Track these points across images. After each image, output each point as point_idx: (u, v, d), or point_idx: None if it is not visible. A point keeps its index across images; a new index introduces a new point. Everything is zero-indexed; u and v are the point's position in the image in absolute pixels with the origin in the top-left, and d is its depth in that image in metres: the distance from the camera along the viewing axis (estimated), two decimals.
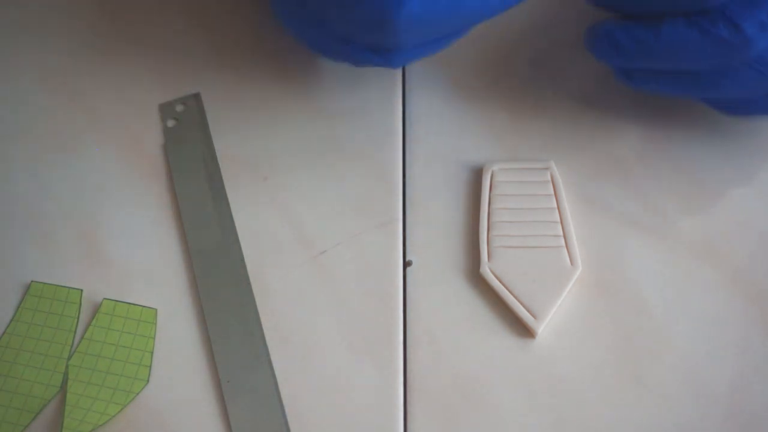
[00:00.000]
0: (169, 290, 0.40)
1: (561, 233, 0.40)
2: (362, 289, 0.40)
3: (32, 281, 0.40)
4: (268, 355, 0.38)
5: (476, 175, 0.42)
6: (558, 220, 0.40)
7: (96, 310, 0.40)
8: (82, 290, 0.40)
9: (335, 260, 0.41)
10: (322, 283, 0.40)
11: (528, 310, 0.38)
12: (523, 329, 0.38)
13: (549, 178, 0.41)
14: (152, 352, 0.38)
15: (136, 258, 0.41)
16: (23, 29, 0.49)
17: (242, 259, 0.41)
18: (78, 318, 0.39)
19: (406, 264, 0.40)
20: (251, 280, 0.40)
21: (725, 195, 0.41)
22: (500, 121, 0.44)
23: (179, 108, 0.46)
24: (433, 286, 0.40)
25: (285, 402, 0.37)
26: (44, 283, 0.40)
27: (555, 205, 0.41)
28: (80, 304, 0.40)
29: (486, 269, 0.39)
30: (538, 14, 0.48)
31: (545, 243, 0.40)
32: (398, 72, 0.46)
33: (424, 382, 0.37)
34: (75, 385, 0.38)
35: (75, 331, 0.39)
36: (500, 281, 0.39)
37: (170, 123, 0.45)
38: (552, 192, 0.41)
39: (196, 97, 0.46)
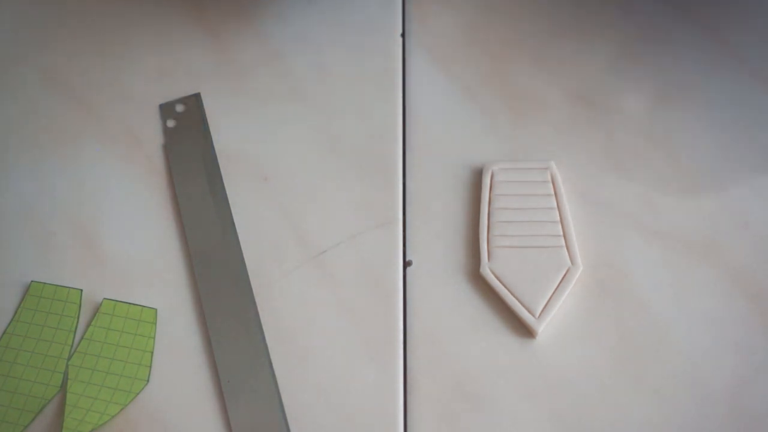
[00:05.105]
0: (169, 290, 0.40)
1: (561, 233, 0.40)
2: (362, 289, 0.40)
3: (32, 281, 0.40)
4: (268, 355, 0.38)
5: (476, 175, 0.42)
6: (558, 220, 0.40)
7: (96, 310, 0.40)
8: (82, 290, 0.40)
9: (335, 260, 0.41)
10: (322, 283, 0.40)
11: (528, 310, 0.38)
12: (523, 329, 0.38)
13: (549, 178, 0.41)
14: (152, 352, 0.38)
15: (136, 258, 0.41)
16: (24, 29, 0.49)
17: (242, 259, 0.41)
18: (78, 318, 0.39)
19: (406, 264, 0.40)
20: (251, 280, 0.40)
21: (725, 195, 0.41)
22: (500, 121, 0.44)
23: (179, 108, 0.46)
24: (433, 286, 0.40)
25: (285, 402, 0.37)
26: (44, 283, 0.40)
27: (555, 205, 0.41)
28: (80, 304, 0.40)
29: (486, 269, 0.39)
30: (539, 14, 0.48)
31: (545, 243, 0.40)
32: (399, 71, 0.46)
33: (424, 382, 0.37)
34: (75, 385, 0.37)
35: (75, 331, 0.39)
36: (500, 281, 0.39)
37: (170, 123, 0.45)
38: (552, 192, 0.41)
39: (196, 97, 0.46)
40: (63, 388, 0.38)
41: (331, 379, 0.38)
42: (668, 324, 0.38)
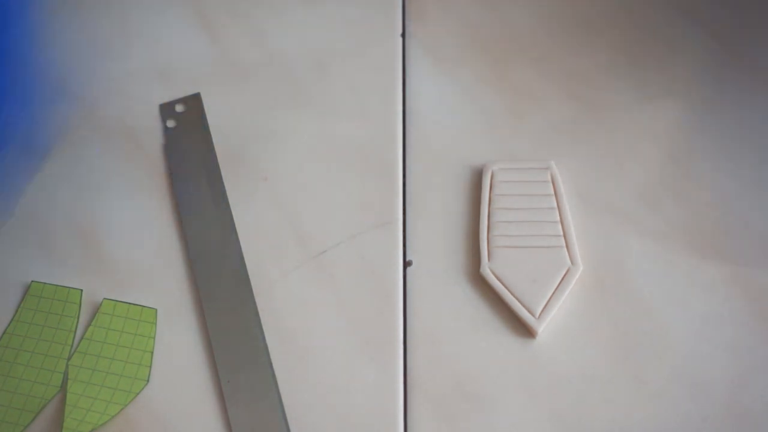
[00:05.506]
0: (169, 290, 0.40)
1: (561, 233, 0.40)
2: (362, 289, 0.40)
3: (32, 281, 0.40)
4: (268, 355, 0.38)
5: (476, 175, 0.42)
6: (558, 220, 0.40)
7: (96, 310, 0.40)
8: (82, 290, 0.40)
9: (335, 260, 0.41)
10: (322, 283, 0.40)
11: (528, 310, 0.38)
12: (523, 329, 0.38)
13: (549, 178, 0.41)
14: (152, 352, 0.38)
15: (136, 258, 0.41)
16: None
17: (242, 259, 0.41)
18: (78, 318, 0.39)
19: (406, 264, 0.40)
20: (251, 280, 0.40)
21: (726, 195, 0.41)
22: (500, 121, 0.44)
23: (179, 108, 0.46)
24: (433, 286, 0.40)
25: (285, 402, 0.37)
26: (44, 283, 0.40)
27: (555, 205, 0.41)
28: (80, 304, 0.40)
29: (486, 269, 0.39)
30: (539, 14, 0.48)
31: (545, 243, 0.40)
32: (399, 71, 0.46)
33: (424, 382, 0.37)
34: (75, 385, 0.37)
35: (75, 331, 0.39)
36: (500, 281, 0.39)
37: (170, 123, 0.45)
38: (552, 192, 0.41)
39: (196, 97, 0.46)
40: (63, 388, 0.38)
41: (331, 379, 0.38)
42: (668, 324, 0.38)
